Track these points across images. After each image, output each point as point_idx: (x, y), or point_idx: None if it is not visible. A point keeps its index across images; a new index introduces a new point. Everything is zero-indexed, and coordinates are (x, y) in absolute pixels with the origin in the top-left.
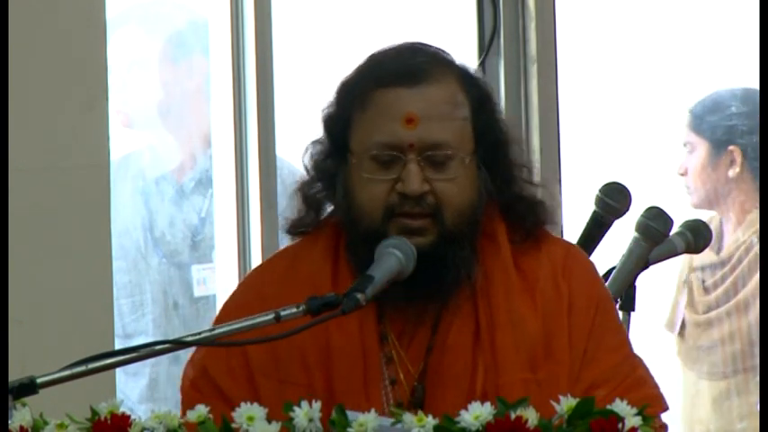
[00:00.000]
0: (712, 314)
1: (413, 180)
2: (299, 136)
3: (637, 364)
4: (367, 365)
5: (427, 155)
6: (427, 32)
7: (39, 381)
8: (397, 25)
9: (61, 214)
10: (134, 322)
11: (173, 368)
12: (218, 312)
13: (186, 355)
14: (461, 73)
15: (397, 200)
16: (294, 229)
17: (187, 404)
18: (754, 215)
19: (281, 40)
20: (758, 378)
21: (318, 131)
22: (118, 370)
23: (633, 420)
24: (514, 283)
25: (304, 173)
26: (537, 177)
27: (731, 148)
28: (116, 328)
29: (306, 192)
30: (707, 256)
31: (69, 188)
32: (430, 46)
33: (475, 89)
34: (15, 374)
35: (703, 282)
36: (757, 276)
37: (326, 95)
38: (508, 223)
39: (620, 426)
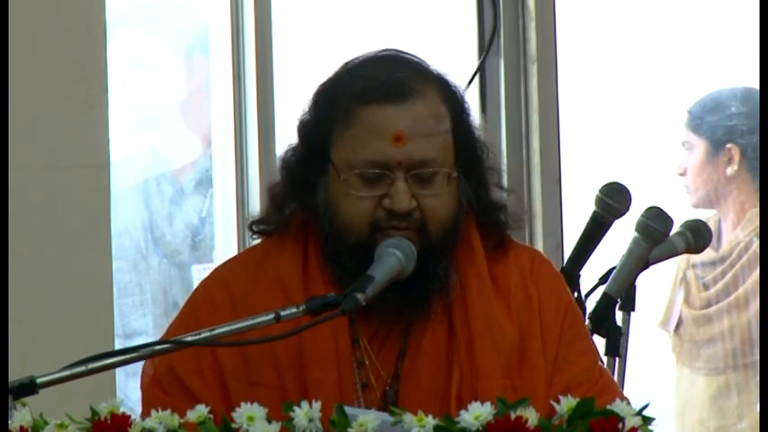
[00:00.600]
0: (711, 310)
1: (401, 198)
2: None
3: (603, 368)
4: (341, 369)
5: (414, 173)
6: (427, 32)
7: (39, 381)
8: (397, 25)
9: (61, 214)
10: (134, 322)
11: None
12: (181, 308)
13: None
14: (440, 83)
15: (383, 215)
16: (257, 227)
17: (149, 402)
18: (753, 213)
19: (281, 40)
20: (758, 376)
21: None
22: (118, 370)
23: (633, 420)
24: (489, 290)
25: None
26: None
27: (729, 146)
28: (116, 328)
29: (275, 193)
30: (705, 253)
31: (69, 188)
32: (407, 55)
33: (453, 98)
34: (15, 374)
35: (701, 278)
36: (756, 274)
37: (303, 103)
38: (481, 229)
39: (620, 426)
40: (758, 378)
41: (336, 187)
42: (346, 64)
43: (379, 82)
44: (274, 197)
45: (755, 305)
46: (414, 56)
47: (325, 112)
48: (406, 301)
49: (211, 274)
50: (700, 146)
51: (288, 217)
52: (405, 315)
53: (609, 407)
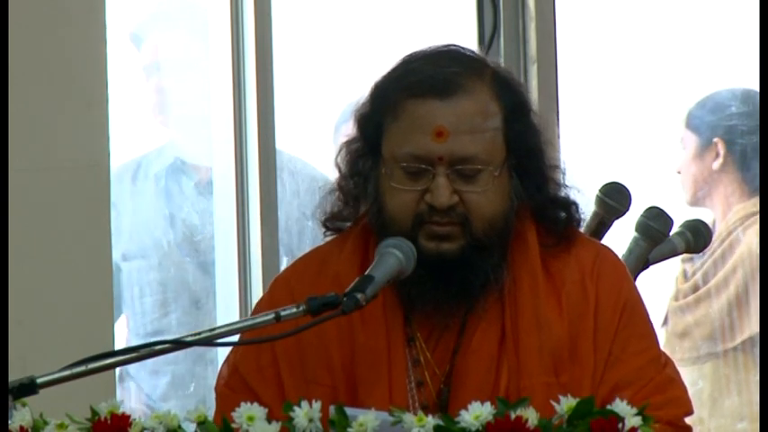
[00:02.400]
0: (682, 302)
1: (441, 193)
2: (300, 134)
3: (663, 367)
4: (392, 368)
5: (456, 168)
6: (427, 32)
7: (39, 381)
8: (397, 25)
9: (61, 214)
10: (157, 320)
11: (195, 367)
12: (251, 311)
13: (204, 353)
14: (495, 80)
15: (425, 209)
16: (332, 222)
17: (221, 403)
18: (739, 207)
19: (282, 39)
20: (729, 367)
21: (352, 130)
22: (138, 369)
23: (633, 420)
24: (541, 286)
25: (313, 169)
26: (571, 178)
27: (715, 140)
28: (139, 326)
29: (344, 188)
30: None
31: (69, 188)
32: (464, 51)
33: (508, 96)
34: (15, 374)
35: (685, 272)
36: (729, 264)
37: (361, 95)
38: (540, 226)
39: (620, 426)
40: (729, 369)
41: (383, 180)
42: (404, 57)
43: (427, 76)
44: (343, 191)
45: (725, 295)
46: (472, 52)
47: (377, 104)
48: (452, 293)
49: (280, 274)
50: (691, 142)
51: (363, 214)
52: (459, 312)
53: (609, 407)
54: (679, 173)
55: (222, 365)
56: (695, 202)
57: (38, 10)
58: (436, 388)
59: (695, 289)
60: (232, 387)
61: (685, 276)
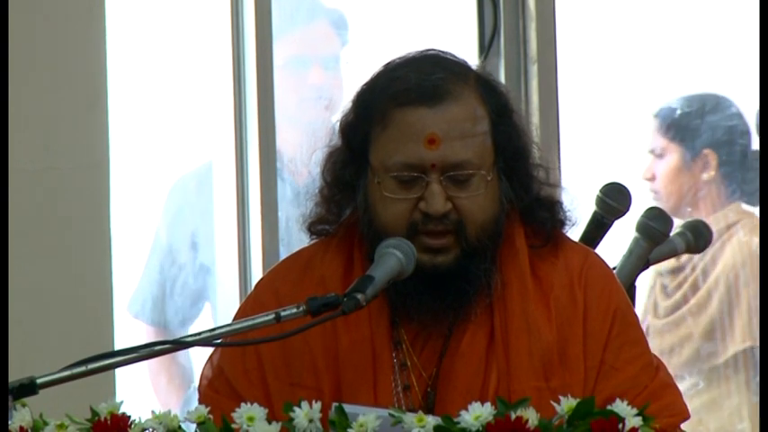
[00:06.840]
0: (671, 318)
1: (436, 200)
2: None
3: (657, 372)
4: (377, 371)
5: (449, 174)
6: (427, 32)
7: (39, 381)
8: (397, 25)
9: (61, 214)
10: None
11: None
12: (236, 311)
13: None
14: (479, 83)
15: (419, 218)
16: (314, 227)
17: (203, 403)
18: (712, 218)
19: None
20: (719, 381)
21: (336, 139)
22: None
23: (633, 421)
24: (530, 289)
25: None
26: (556, 177)
27: (705, 151)
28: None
29: (326, 196)
30: (669, 260)
31: (69, 188)
32: (445, 55)
33: (493, 99)
34: (15, 374)
35: (665, 287)
36: (711, 278)
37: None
38: (528, 227)
39: (620, 426)
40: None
41: (373, 190)
42: (386, 65)
43: (414, 84)
44: (325, 199)
45: (711, 309)
46: (454, 56)
47: (363, 113)
48: (447, 302)
49: (264, 276)
50: (673, 152)
51: (347, 218)
52: (446, 316)
53: (609, 407)
54: (649, 180)
55: (205, 364)
56: (671, 210)
57: (38, 10)
58: (422, 391)
59: (677, 307)
60: (216, 389)
61: (666, 293)
